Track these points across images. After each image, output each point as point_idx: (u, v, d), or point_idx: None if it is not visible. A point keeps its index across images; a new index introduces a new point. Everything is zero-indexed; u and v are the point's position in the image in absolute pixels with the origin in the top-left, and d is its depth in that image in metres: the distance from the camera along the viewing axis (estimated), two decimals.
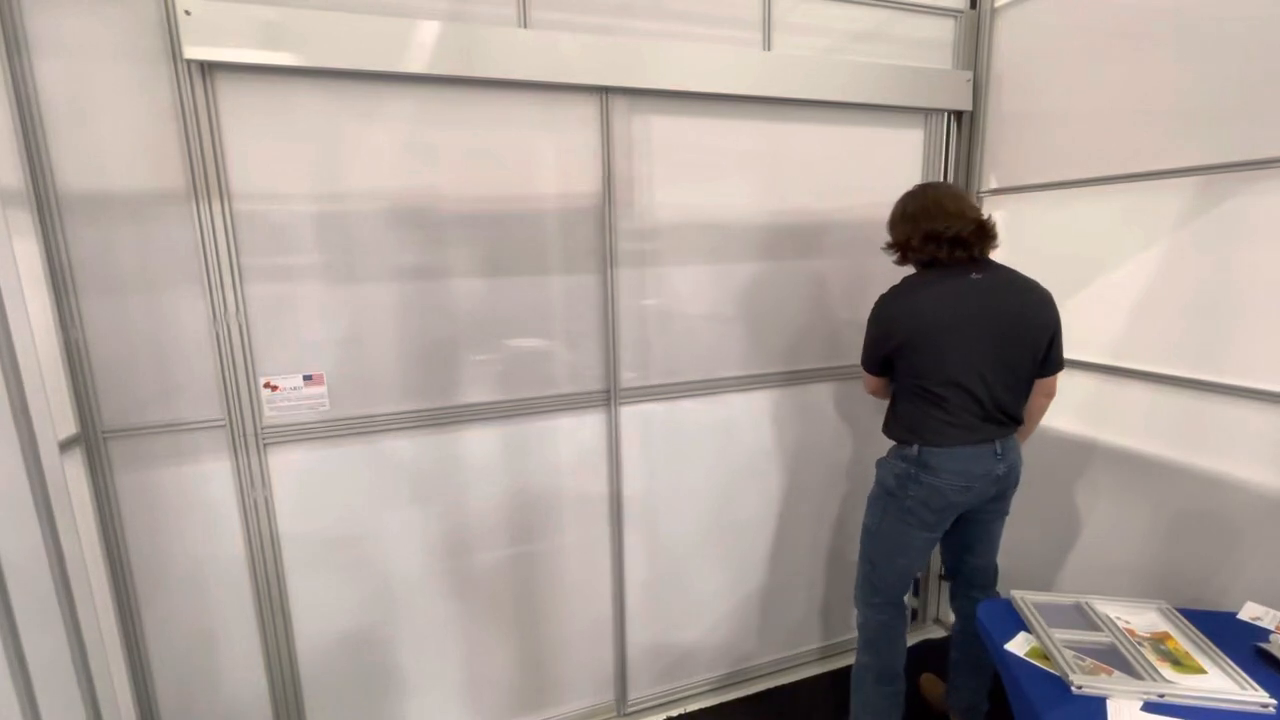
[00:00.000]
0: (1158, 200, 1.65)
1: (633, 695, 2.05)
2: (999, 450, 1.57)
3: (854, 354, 1.75)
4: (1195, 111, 1.56)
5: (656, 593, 2.01)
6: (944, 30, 2.03)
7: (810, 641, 2.29)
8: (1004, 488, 1.63)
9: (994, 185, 2.09)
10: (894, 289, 1.61)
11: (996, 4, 2.00)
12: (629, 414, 1.84)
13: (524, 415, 1.75)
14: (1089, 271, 1.82)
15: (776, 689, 2.16)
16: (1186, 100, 1.57)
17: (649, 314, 1.82)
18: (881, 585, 1.71)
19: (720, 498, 2.03)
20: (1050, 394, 1.68)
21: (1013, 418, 1.59)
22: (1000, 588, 1.81)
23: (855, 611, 1.79)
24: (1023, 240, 2.01)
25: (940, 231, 1.51)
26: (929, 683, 2.07)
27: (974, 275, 1.53)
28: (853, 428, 2.16)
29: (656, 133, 1.74)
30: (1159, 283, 1.66)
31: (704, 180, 1.81)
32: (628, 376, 1.83)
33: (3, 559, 0.69)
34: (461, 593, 1.78)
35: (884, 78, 1.90)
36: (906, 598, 1.77)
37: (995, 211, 2.09)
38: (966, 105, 2.06)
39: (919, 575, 2.43)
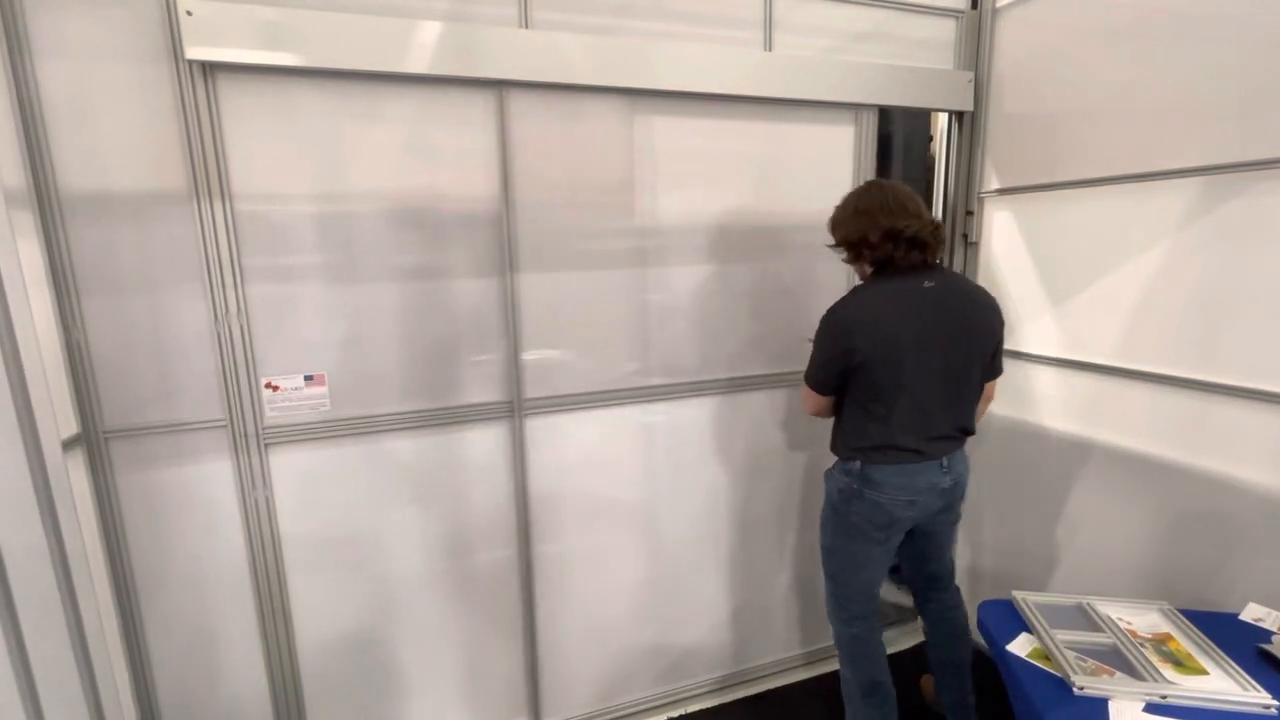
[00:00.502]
0: (1160, 200, 1.64)
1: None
2: (945, 464, 1.55)
3: (798, 361, 1.73)
4: (1198, 111, 1.56)
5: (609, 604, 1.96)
6: (945, 30, 2.02)
7: (791, 649, 2.25)
8: (951, 499, 1.62)
9: (995, 186, 2.09)
10: (846, 301, 1.53)
11: (998, 4, 2.00)
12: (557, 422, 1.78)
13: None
14: (1091, 271, 1.82)
15: (757, 695, 2.15)
16: (1189, 100, 1.57)
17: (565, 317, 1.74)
18: (847, 601, 1.69)
19: (664, 509, 1.96)
20: (990, 398, 1.68)
21: (965, 430, 1.58)
22: (1002, 588, 1.81)
23: (830, 627, 1.76)
24: (1024, 241, 2.01)
25: (900, 229, 1.45)
26: (928, 682, 2.07)
27: (926, 283, 1.48)
28: (804, 436, 2.08)
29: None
30: (1161, 283, 1.66)
31: (676, 183, 1.78)
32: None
33: (5, 557, 0.69)
34: (459, 594, 1.78)
35: (884, 78, 1.91)
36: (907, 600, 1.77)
37: (997, 212, 2.10)
38: (968, 105, 2.06)
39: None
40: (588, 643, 1.96)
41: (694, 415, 1.95)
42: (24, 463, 0.71)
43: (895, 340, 1.46)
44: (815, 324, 1.56)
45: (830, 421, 1.68)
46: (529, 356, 1.72)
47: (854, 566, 1.65)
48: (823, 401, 1.62)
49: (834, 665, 2.25)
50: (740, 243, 1.90)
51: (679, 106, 1.75)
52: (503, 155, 1.60)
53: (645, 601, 2.00)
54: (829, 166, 1.96)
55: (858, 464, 1.55)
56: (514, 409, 1.72)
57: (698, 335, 1.90)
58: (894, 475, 1.53)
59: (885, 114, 2.51)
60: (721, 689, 2.16)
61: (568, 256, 1.72)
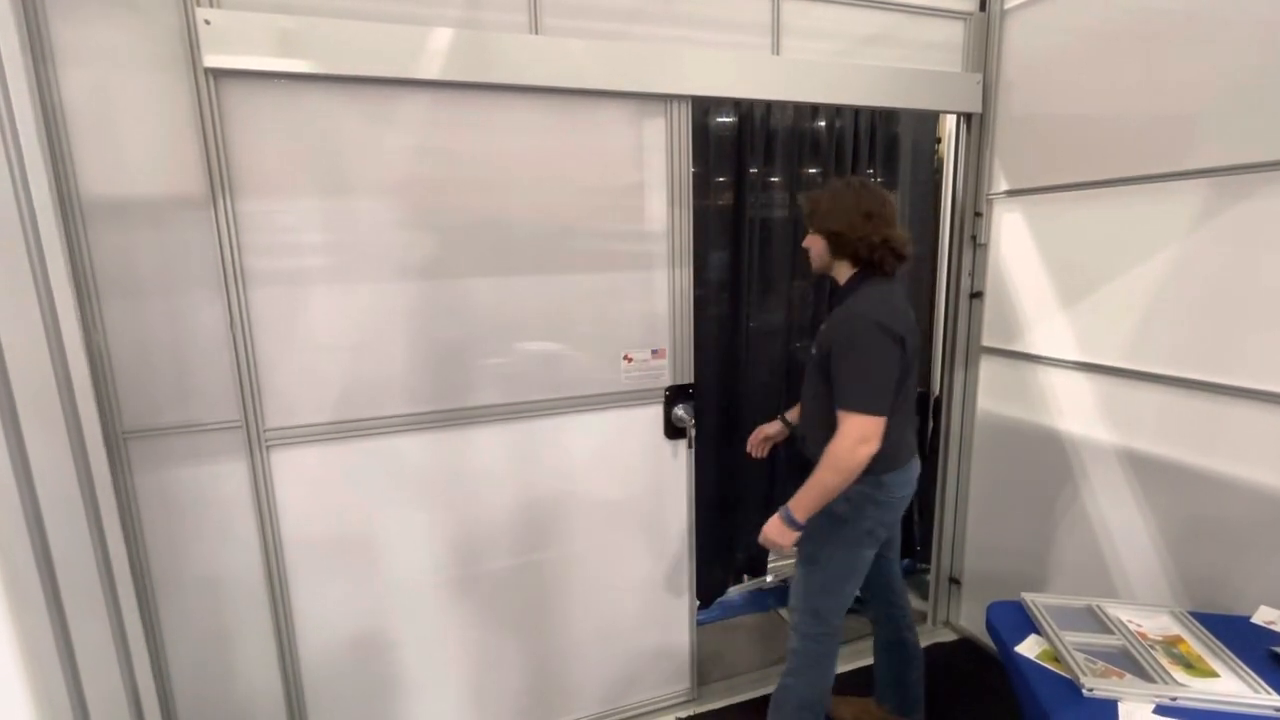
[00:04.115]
0: (1169, 202, 1.64)
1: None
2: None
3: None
4: (1208, 113, 1.55)
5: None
6: (954, 33, 2.03)
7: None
8: (919, 486, 1.68)
9: (1004, 187, 2.08)
10: (873, 301, 1.47)
11: (1006, 6, 2.01)
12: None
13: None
14: (1100, 273, 1.82)
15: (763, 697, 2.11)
16: (1199, 102, 1.57)
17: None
18: (828, 614, 1.63)
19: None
20: None
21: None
22: (1011, 590, 1.81)
23: (790, 636, 1.69)
24: (1033, 242, 2.01)
25: (897, 242, 1.51)
26: (841, 705, 2.01)
27: (896, 285, 1.56)
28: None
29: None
30: (1171, 284, 1.66)
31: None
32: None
33: (53, 549, 0.72)
34: (464, 595, 1.79)
35: (893, 81, 1.91)
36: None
37: (1006, 214, 2.10)
38: (976, 107, 2.07)
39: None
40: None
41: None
42: (71, 464, 0.74)
43: (911, 335, 1.49)
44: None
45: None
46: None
47: (845, 578, 1.61)
48: (883, 425, 1.42)
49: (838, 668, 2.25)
50: (551, 248, 1.71)
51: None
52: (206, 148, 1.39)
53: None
54: (643, 159, 1.75)
55: (871, 473, 1.49)
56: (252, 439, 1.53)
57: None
58: (900, 474, 1.57)
59: (893, 115, 2.53)
60: (728, 691, 2.16)
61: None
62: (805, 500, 1.47)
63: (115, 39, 1.31)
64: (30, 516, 0.73)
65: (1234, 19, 1.49)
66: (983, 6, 2.03)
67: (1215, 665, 1.27)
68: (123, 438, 1.43)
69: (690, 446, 1.92)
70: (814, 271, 1.64)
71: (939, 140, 2.58)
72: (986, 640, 2.19)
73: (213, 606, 1.57)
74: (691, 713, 2.08)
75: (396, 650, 1.75)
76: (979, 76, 2.04)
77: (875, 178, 2.63)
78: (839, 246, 1.54)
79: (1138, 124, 1.70)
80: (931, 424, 2.59)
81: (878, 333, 1.42)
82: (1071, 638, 1.37)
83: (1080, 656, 1.30)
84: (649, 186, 1.77)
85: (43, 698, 0.73)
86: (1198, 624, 1.41)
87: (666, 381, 1.88)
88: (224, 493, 1.53)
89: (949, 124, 2.30)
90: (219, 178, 1.40)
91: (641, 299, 1.82)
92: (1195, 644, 1.35)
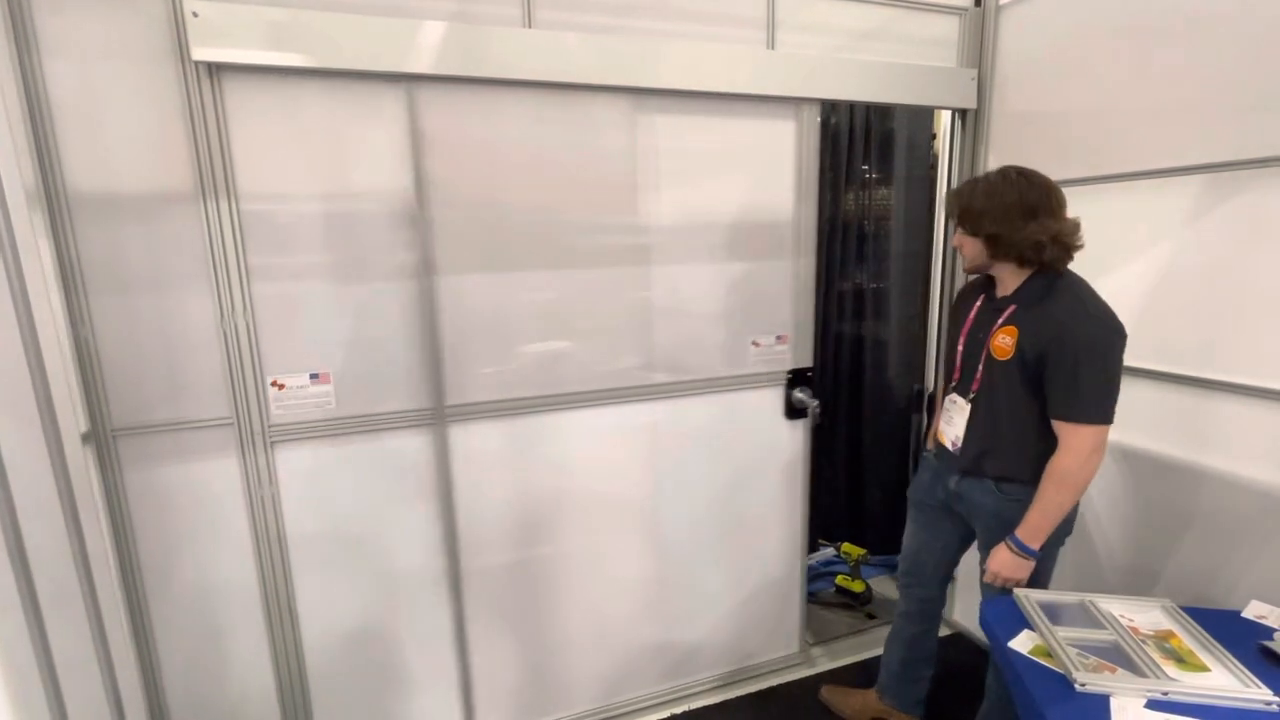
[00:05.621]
0: (1162, 198, 1.64)
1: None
2: None
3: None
4: (1203, 108, 1.55)
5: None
6: (949, 28, 2.02)
7: (791, 646, 2.26)
8: None
9: None
10: (1091, 301, 1.38)
11: (1001, 1, 2.00)
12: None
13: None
14: (1095, 269, 1.80)
15: (759, 693, 2.16)
16: (1194, 97, 1.57)
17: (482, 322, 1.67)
18: None
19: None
20: None
21: None
22: None
23: None
24: None
25: (1068, 237, 1.36)
26: (833, 694, 2.05)
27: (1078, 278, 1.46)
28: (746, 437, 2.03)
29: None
30: (1165, 280, 1.66)
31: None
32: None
33: (29, 551, 0.71)
34: (466, 591, 1.79)
35: (887, 76, 1.90)
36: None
37: None
38: (971, 103, 2.06)
39: None
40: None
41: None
42: (46, 462, 0.73)
43: None
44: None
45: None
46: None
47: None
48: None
49: (832, 664, 2.28)
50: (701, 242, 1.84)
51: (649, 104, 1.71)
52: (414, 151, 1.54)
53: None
54: (775, 162, 1.88)
55: None
56: (438, 415, 1.66)
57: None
58: None
59: (887, 111, 2.52)
60: (724, 686, 2.17)
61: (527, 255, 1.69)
62: (1041, 526, 1.43)
63: (102, 30, 1.29)
64: (4, 514, 0.72)
65: (1229, 13, 1.49)
66: (978, 2, 2.03)
67: (1206, 660, 1.28)
68: (112, 435, 1.42)
69: (810, 425, 2.06)
70: (967, 271, 1.55)
71: (934, 136, 2.58)
72: (981, 635, 2.19)
73: (205, 606, 1.56)
74: (804, 674, 2.23)
75: (400, 648, 1.75)
76: (974, 72, 2.04)
77: (870, 173, 2.63)
78: (999, 249, 1.42)
79: (1131, 120, 1.70)
80: (926, 420, 2.59)
81: (1117, 339, 1.36)
82: (1064, 633, 1.37)
83: (1073, 651, 1.30)
84: (777, 184, 1.86)
85: (19, 702, 0.72)
86: (1189, 619, 1.42)
87: (789, 365, 2.00)
88: (216, 491, 1.52)
89: (944, 120, 2.30)
90: (209, 172, 1.39)
91: (769, 287, 1.94)
92: (1187, 638, 1.36)
